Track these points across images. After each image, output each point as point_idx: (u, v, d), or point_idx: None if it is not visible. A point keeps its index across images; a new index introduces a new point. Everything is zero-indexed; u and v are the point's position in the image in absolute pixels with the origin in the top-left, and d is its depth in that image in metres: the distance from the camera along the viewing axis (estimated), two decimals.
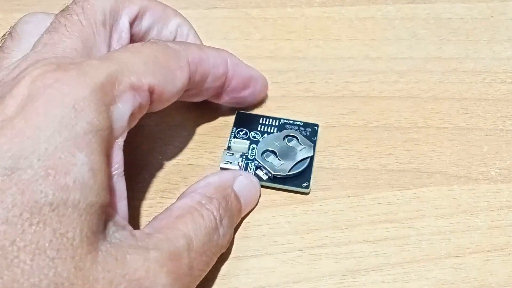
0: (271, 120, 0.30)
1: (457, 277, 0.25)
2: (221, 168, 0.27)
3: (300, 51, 0.33)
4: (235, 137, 0.29)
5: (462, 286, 0.25)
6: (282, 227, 0.27)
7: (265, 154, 0.28)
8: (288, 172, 0.27)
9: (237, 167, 0.27)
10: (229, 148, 0.28)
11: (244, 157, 0.28)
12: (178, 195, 0.27)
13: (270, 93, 0.31)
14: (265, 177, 0.28)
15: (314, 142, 0.29)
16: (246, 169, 0.28)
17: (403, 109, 0.31)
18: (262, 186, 0.28)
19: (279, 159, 0.28)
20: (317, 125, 0.29)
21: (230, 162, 0.28)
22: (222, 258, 0.25)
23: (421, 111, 0.31)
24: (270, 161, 0.28)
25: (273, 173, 0.27)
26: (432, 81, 0.32)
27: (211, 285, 0.25)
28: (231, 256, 0.26)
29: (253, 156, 0.28)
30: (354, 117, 0.31)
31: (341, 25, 0.35)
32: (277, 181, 0.28)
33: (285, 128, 0.29)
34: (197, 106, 0.31)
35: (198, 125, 0.30)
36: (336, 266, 0.26)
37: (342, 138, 0.30)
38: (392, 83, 0.32)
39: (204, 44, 0.34)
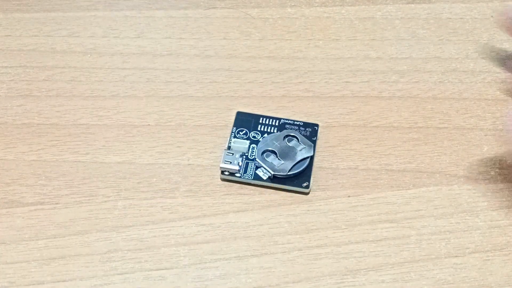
0: (271, 120, 0.30)
1: (457, 277, 0.25)
2: (221, 168, 0.28)
3: (300, 51, 0.33)
4: (235, 137, 0.29)
5: (462, 286, 0.25)
6: (282, 227, 0.27)
7: (265, 154, 0.28)
8: (288, 172, 0.27)
9: (237, 167, 0.27)
10: (229, 148, 0.28)
11: (244, 157, 0.28)
12: (178, 195, 0.27)
13: (270, 93, 0.31)
14: (265, 177, 0.28)
15: (314, 142, 0.29)
16: (246, 169, 0.28)
17: (403, 109, 0.31)
18: (262, 186, 0.28)
19: (279, 159, 0.28)
20: (317, 125, 0.29)
21: (230, 162, 0.28)
22: (222, 258, 0.26)
23: (421, 111, 0.31)
24: (270, 161, 0.28)
25: (273, 173, 0.27)
26: (432, 81, 0.32)
27: (211, 285, 0.25)
28: (231, 256, 0.26)
29: (253, 156, 0.28)
30: (354, 117, 0.31)
31: (341, 25, 0.35)
32: (277, 181, 0.28)
33: (285, 128, 0.29)
34: (197, 106, 0.31)
35: (198, 125, 0.30)
36: (336, 266, 0.26)
37: (342, 138, 0.30)
38: (392, 83, 0.32)
39: (203, 44, 0.34)
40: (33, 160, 0.28)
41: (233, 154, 0.28)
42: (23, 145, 0.29)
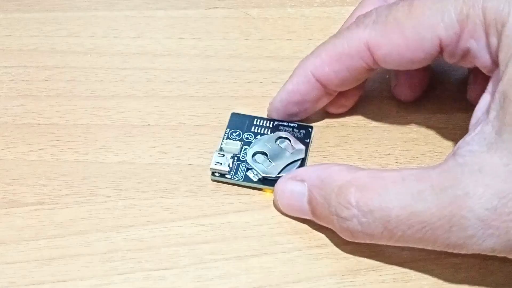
0: (265, 121, 0.30)
1: (457, 277, 0.25)
2: (211, 169, 0.27)
3: (300, 51, 0.33)
4: (228, 138, 0.29)
5: (462, 286, 0.25)
6: (282, 227, 0.27)
7: (256, 155, 0.28)
8: (278, 174, 0.27)
9: (227, 168, 0.27)
10: (221, 149, 0.28)
11: (235, 158, 0.28)
12: (178, 195, 0.27)
13: (270, 93, 0.31)
14: (255, 179, 0.27)
15: (307, 145, 0.29)
16: (236, 170, 0.28)
17: (402, 109, 0.31)
18: (253, 188, 0.28)
19: (269, 161, 0.28)
20: (311, 127, 0.29)
21: (221, 164, 0.27)
22: (222, 258, 0.26)
23: (420, 111, 0.31)
24: (260, 162, 0.28)
25: (262, 174, 0.27)
26: (432, 80, 0.32)
27: (211, 285, 0.25)
28: (231, 256, 0.26)
29: (244, 158, 0.28)
30: (354, 117, 0.31)
31: (341, 25, 0.35)
32: (266, 182, 0.27)
33: (279, 130, 0.29)
34: (197, 106, 0.31)
35: (198, 125, 0.30)
36: (336, 266, 0.26)
37: (342, 138, 0.30)
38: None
39: (203, 44, 0.34)
40: (33, 160, 0.28)
41: (224, 155, 0.28)
42: (23, 145, 0.29)
